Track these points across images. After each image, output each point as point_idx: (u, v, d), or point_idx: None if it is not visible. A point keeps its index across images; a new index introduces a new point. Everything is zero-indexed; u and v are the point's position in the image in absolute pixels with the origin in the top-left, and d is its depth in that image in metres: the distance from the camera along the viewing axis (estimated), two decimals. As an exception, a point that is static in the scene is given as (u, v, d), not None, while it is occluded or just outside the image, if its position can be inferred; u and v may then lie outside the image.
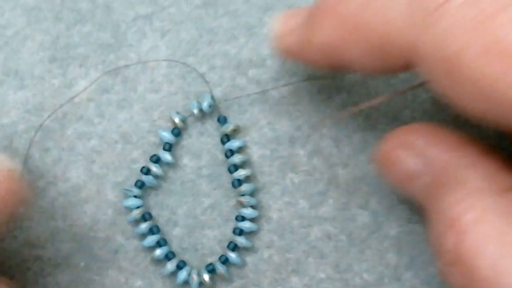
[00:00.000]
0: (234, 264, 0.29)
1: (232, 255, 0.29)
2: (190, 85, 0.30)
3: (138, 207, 0.29)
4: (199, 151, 0.30)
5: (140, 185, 0.29)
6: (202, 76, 0.30)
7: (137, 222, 0.29)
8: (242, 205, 0.29)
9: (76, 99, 0.30)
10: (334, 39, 0.23)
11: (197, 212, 0.29)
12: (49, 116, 0.30)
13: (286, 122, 0.30)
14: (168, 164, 0.29)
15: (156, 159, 0.29)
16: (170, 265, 0.29)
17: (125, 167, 0.30)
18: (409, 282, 0.28)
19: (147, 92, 0.30)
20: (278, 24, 0.26)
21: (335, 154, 0.29)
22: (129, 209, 0.29)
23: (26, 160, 0.30)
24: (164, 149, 0.29)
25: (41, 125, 0.30)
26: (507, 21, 0.17)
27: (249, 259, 0.29)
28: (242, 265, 0.29)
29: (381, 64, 0.22)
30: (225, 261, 0.29)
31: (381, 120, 0.29)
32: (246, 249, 0.29)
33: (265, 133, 0.29)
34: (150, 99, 0.30)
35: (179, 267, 0.29)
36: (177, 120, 0.29)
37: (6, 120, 0.30)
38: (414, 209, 0.29)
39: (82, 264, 0.29)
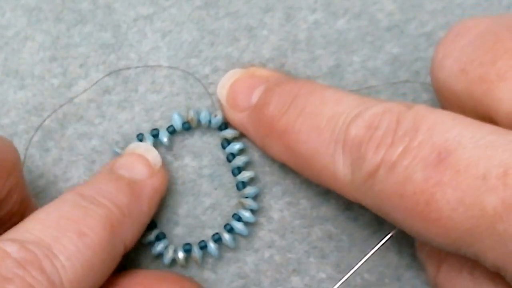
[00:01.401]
0: (211, 255, 0.29)
1: (212, 245, 0.29)
2: (192, 86, 0.30)
3: None
4: (201, 151, 0.30)
5: None
6: (205, 88, 0.30)
7: None
8: (243, 207, 0.29)
9: (77, 100, 0.30)
10: (287, 162, 0.27)
11: (197, 212, 0.29)
12: (48, 116, 0.30)
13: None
14: (162, 144, 0.29)
15: (155, 134, 0.29)
16: (150, 235, 0.29)
17: (126, 167, 0.30)
18: (410, 282, 0.29)
19: (148, 93, 0.30)
20: (226, 95, 0.29)
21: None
22: None
23: (25, 160, 0.29)
24: (167, 130, 0.29)
25: (40, 125, 0.30)
26: (418, 185, 0.21)
27: (250, 258, 0.29)
28: (218, 257, 0.29)
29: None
30: (203, 247, 0.29)
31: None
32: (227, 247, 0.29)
33: (267, 133, 0.30)
34: (151, 100, 0.30)
35: (159, 238, 0.29)
36: (192, 116, 0.29)
37: (6, 120, 0.30)
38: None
39: (82, 264, 0.29)
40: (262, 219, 0.29)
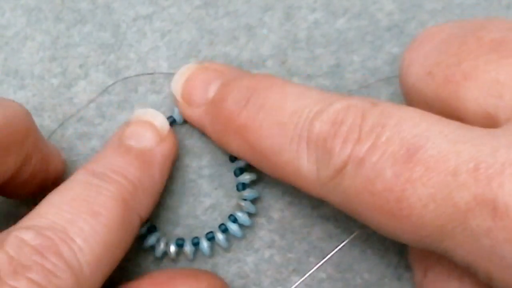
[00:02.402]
0: (202, 252, 0.29)
1: (204, 243, 0.29)
2: (191, 85, 0.30)
3: None
4: (200, 151, 0.30)
5: None
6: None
7: None
8: (240, 209, 0.29)
9: (77, 100, 0.30)
10: (247, 158, 0.26)
11: (198, 212, 0.29)
12: (78, 110, 0.30)
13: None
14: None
15: None
16: (142, 228, 0.29)
17: (126, 167, 0.30)
18: (410, 282, 0.29)
19: (148, 93, 0.30)
20: (181, 91, 0.28)
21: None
22: None
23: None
24: (168, 118, 0.29)
25: (61, 124, 0.30)
26: (387, 182, 0.21)
27: (250, 258, 0.29)
28: (209, 256, 0.29)
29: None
30: (196, 243, 0.29)
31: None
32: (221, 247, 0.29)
33: (267, 133, 0.30)
34: (151, 100, 0.30)
35: (150, 230, 0.29)
36: None
37: (6, 120, 0.30)
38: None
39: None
40: (262, 219, 0.29)
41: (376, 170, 0.21)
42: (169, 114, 0.29)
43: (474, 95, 0.22)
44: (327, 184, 0.23)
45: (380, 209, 0.21)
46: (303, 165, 0.23)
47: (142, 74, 0.30)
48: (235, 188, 0.29)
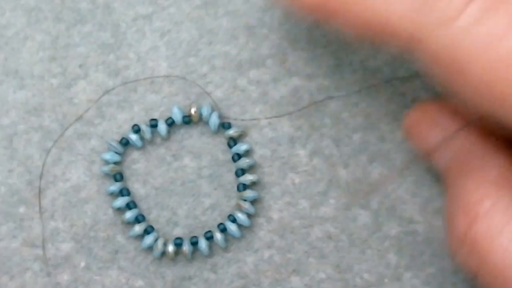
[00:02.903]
0: (200, 251, 0.29)
1: (203, 242, 0.29)
2: (191, 86, 0.30)
3: (114, 163, 0.29)
4: (200, 151, 0.30)
5: (125, 142, 0.29)
6: (206, 92, 0.30)
7: (109, 179, 0.30)
8: (240, 210, 0.29)
9: (76, 100, 0.30)
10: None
11: (197, 212, 0.29)
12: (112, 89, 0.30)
13: (286, 122, 0.30)
14: (159, 134, 0.29)
15: (154, 124, 0.29)
16: (139, 228, 0.29)
17: (126, 167, 0.30)
18: (409, 282, 0.29)
19: (147, 93, 0.30)
20: None
21: (336, 154, 0.29)
22: (106, 163, 0.29)
23: (26, 160, 0.30)
24: (166, 122, 0.29)
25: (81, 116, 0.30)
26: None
27: (250, 259, 0.29)
28: (208, 255, 0.29)
29: (375, 38, 0.22)
30: (195, 243, 0.29)
31: (381, 120, 0.29)
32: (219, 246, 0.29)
33: (266, 133, 0.30)
34: (150, 100, 0.30)
35: (147, 231, 0.29)
36: (193, 111, 0.29)
37: (6, 120, 0.30)
38: (415, 209, 0.29)
39: (82, 264, 0.29)
40: (261, 220, 0.29)
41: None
42: (168, 114, 0.29)
43: None
44: (433, 20, 0.19)
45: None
46: None
47: (144, 79, 0.30)
48: (235, 189, 0.29)
